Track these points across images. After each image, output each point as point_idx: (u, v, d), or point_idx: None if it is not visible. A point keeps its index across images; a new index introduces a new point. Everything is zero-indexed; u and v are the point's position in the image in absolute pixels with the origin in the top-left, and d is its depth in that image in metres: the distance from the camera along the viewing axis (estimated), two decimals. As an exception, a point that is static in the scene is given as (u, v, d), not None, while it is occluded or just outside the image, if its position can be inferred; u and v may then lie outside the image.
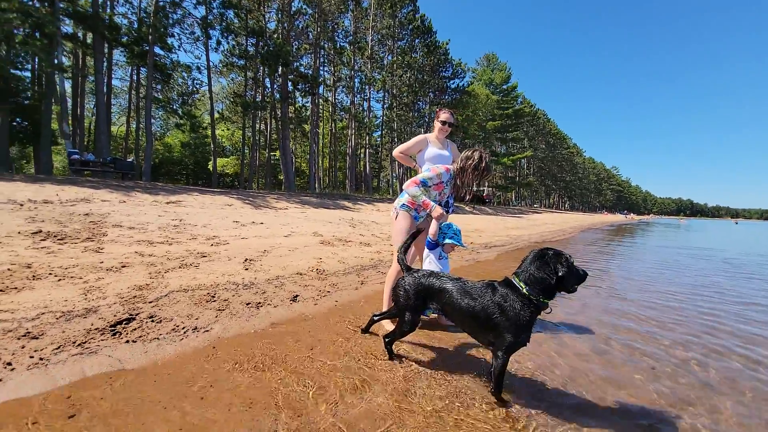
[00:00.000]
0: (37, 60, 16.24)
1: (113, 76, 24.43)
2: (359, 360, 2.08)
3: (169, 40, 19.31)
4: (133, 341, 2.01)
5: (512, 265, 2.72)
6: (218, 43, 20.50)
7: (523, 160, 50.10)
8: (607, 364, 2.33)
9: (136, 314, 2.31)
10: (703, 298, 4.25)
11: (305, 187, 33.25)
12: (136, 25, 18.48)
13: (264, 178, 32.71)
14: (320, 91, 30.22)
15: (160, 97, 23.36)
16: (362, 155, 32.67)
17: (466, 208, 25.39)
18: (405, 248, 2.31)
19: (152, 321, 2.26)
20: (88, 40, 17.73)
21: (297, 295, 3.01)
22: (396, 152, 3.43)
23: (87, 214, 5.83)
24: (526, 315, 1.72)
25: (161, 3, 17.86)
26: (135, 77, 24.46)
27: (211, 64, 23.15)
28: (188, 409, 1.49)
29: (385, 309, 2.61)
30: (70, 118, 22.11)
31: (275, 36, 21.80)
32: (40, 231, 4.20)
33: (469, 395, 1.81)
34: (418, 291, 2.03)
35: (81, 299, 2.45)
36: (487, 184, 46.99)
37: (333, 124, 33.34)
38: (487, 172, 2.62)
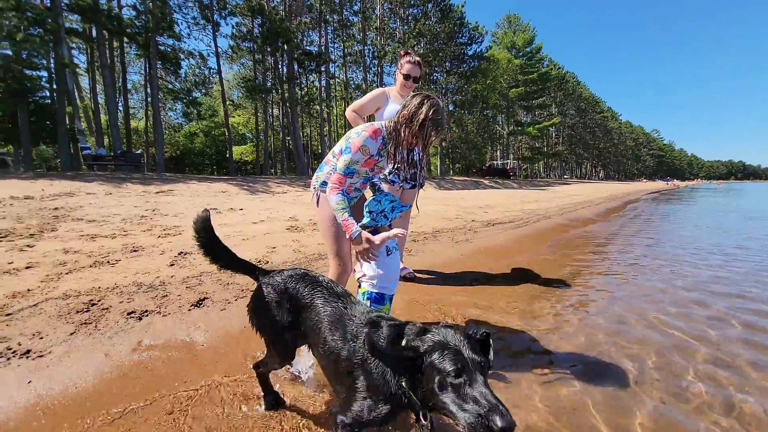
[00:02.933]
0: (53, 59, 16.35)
1: (131, 70, 24.78)
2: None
3: (176, 28, 19.00)
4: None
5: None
6: (216, 24, 19.87)
7: (550, 128, 46.80)
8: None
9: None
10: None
11: (322, 170, 32.88)
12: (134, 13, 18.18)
13: (281, 163, 32.67)
14: (331, 69, 29.15)
15: (178, 88, 23.40)
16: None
17: (485, 182, 23.98)
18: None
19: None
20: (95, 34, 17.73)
21: (205, 298, 2.48)
22: (349, 111, 2.82)
23: (56, 209, 5.62)
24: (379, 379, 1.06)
25: (157, -11, 17.42)
26: (148, 70, 24.58)
27: (220, 50, 22.80)
28: None
29: None
30: (91, 114, 22.80)
31: (274, 13, 20.91)
32: (-21, 229, 3.94)
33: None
34: (281, 302, 1.35)
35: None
36: (512, 156, 44.56)
37: (345, 104, 32.37)
38: (434, 126, 1.64)
